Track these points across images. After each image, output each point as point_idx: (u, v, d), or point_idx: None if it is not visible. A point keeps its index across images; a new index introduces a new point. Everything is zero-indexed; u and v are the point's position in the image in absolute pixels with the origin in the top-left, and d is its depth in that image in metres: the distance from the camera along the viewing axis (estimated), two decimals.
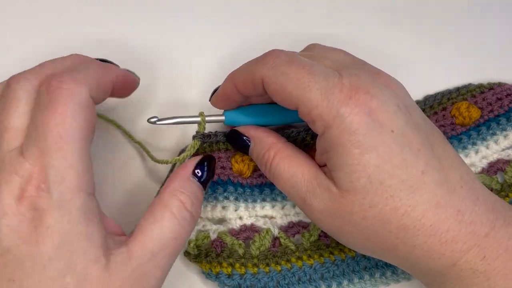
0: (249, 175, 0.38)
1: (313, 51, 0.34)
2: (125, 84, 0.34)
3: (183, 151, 0.39)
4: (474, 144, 0.41)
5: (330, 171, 0.30)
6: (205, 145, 0.38)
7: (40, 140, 0.26)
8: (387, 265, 0.38)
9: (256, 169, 0.38)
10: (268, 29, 0.44)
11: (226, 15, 0.45)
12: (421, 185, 0.29)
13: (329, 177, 0.31)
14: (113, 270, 0.27)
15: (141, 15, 0.44)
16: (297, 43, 0.37)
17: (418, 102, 0.43)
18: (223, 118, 0.37)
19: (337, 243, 0.38)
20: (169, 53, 0.43)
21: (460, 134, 0.41)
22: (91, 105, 0.28)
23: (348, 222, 0.30)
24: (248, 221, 0.38)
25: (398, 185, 0.28)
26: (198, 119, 0.36)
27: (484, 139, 0.41)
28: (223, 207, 0.38)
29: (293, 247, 0.37)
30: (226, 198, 0.38)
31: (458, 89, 0.43)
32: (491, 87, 0.42)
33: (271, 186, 0.38)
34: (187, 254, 0.37)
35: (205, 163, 0.33)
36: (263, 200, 0.39)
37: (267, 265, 0.37)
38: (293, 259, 0.37)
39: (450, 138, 0.41)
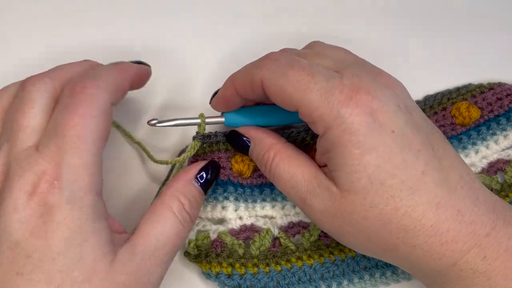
0: (249, 175, 0.38)
1: (315, 48, 0.34)
2: (139, 79, 0.35)
3: (183, 151, 0.39)
4: (474, 144, 0.41)
5: (331, 171, 0.31)
6: (205, 145, 0.38)
7: (59, 138, 0.27)
8: (387, 265, 0.38)
9: (256, 169, 0.38)
10: (268, 29, 0.44)
11: (226, 15, 0.45)
12: (421, 186, 0.29)
13: (329, 177, 0.31)
14: (119, 265, 0.27)
15: (141, 15, 0.45)
16: (297, 43, 0.37)
17: (418, 102, 0.43)
18: (223, 119, 0.37)
19: (337, 243, 0.38)
20: (169, 53, 0.43)
21: (460, 134, 0.41)
22: (109, 111, 0.29)
23: (349, 222, 0.30)
24: (248, 221, 0.38)
25: (399, 186, 0.28)
26: (198, 120, 0.36)
27: (484, 139, 0.41)
28: (223, 207, 0.38)
29: (293, 247, 0.37)
30: (226, 198, 0.38)
31: (458, 89, 0.43)
32: (491, 87, 0.43)
33: (271, 186, 0.38)
34: (187, 254, 0.37)
35: (209, 169, 0.35)
36: (263, 200, 0.39)
37: (267, 265, 0.37)
38: (293, 259, 0.37)
39: (450, 138, 0.41)
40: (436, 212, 0.29)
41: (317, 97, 0.29)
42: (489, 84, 0.43)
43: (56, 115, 0.28)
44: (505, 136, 0.41)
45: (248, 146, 0.36)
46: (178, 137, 0.41)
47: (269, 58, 0.32)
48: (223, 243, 0.37)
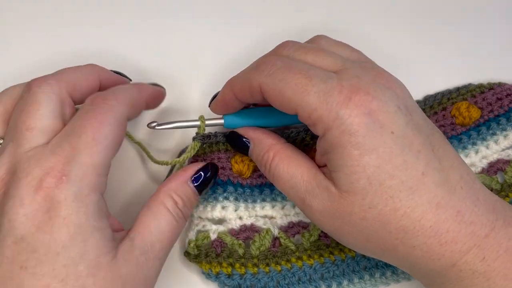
0: (249, 175, 0.39)
1: (319, 43, 0.34)
2: (154, 99, 0.37)
3: (183, 152, 0.39)
4: (474, 144, 0.41)
5: (330, 172, 0.31)
6: (204, 145, 0.38)
7: (75, 138, 0.28)
8: (387, 265, 0.38)
9: (256, 169, 0.38)
10: (268, 29, 0.44)
11: (226, 15, 0.45)
12: (421, 186, 0.29)
13: (328, 177, 0.31)
14: (120, 259, 0.28)
15: (141, 15, 0.45)
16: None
17: (418, 102, 0.43)
18: (222, 121, 0.37)
19: (337, 243, 0.38)
20: (169, 54, 0.44)
21: (460, 134, 0.41)
22: (124, 123, 0.31)
23: (348, 223, 0.30)
24: (248, 221, 0.38)
25: (398, 186, 0.28)
26: (198, 123, 0.37)
27: (484, 139, 0.41)
28: (223, 207, 0.38)
29: (293, 247, 0.37)
30: (226, 198, 0.38)
31: (458, 89, 0.43)
32: (491, 87, 0.42)
33: (271, 187, 0.38)
34: (187, 254, 0.37)
35: (206, 170, 0.35)
36: (263, 200, 0.39)
37: (267, 265, 0.37)
38: (293, 259, 0.37)
39: (450, 138, 0.41)
40: (435, 212, 0.29)
41: (315, 99, 0.29)
42: (489, 84, 0.43)
43: (74, 119, 0.29)
44: (505, 136, 0.41)
45: (248, 147, 0.36)
46: (178, 138, 0.41)
47: (266, 62, 0.32)
48: (223, 243, 0.37)
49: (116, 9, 0.44)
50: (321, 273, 0.37)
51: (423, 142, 0.29)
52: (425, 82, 0.43)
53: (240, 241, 0.37)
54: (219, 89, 0.36)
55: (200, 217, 0.38)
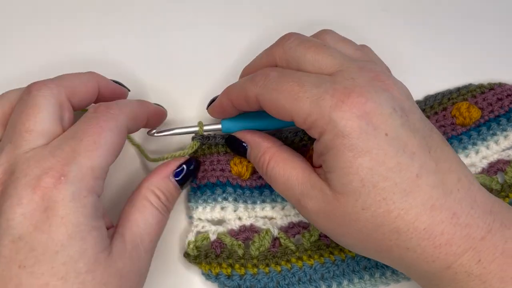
0: (248, 177, 0.39)
1: (324, 38, 0.35)
2: (156, 118, 0.37)
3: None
4: (474, 144, 0.41)
5: (325, 173, 0.31)
6: (204, 146, 0.38)
7: (75, 141, 0.29)
8: (387, 265, 0.38)
9: (255, 171, 0.39)
10: (268, 30, 0.44)
11: (226, 15, 0.46)
12: (415, 188, 0.29)
13: (323, 179, 0.31)
14: (115, 255, 0.29)
15: (140, 15, 0.45)
16: None
17: (418, 102, 0.43)
18: (220, 126, 0.38)
19: (338, 243, 0.38)
20: (169, 54, 0.44)
21: (460, 134, 0.41)
22: (125, 133, 0.32)
23: (342, 224, 0.30)
24: (247, 221, 0.38)
25: (392, 188, 0.28)
26: (196, 129, 0.38)
27: (484, 139, 0.41)
28: (222, 208, 0.38)
29: (293, 247, 0.37)
30: (225, 199, 0.38)
31: (458, 89, 0.43)
32: (491, 87, 0.42)
33: (271, 188, 0.38)
34: (186, 255, 0.37)
35: (188, 165, 0.36)
36: (263, 201, 0.39)
37: (267, 265, 0.37)
38: (293, 259, 0.37)
39: (450, 138, 0.41)
40: (430, 214, 0.29)
41: (308, 104, 0.29)
42: (489, 84, 0.43)
43: (77, 125, 0.30)
44: (505, 137, 0.41)
45: (246, 150, 0.37)
46: (178, 140, 0.41)
47: (261, 74, 0.33)
48: (223, 243, 0.37)
49: (115, 14, 0.45)
50: (321, 273, 0.37)
51: (418, 144, 0.29)
52: (425, 82, 0.43)
53: (240, 242, 0.37)
54: (218, 93, 0.37)
55: (200, 218, 0.38)
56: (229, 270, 0.36)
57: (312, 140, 0.38)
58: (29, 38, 0.43)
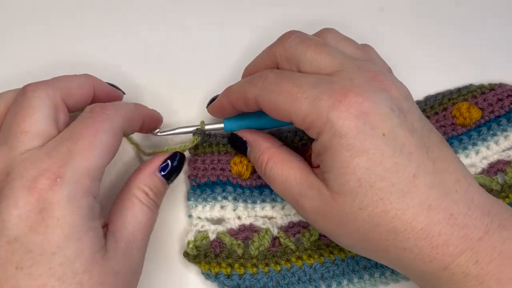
0: (248, 176, 0.39)
1: (325, 37, 0.35)
2: (151, 122, 0.37)
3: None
4: (474, 144, 0.41)
5: (323, 173, 0.31)
6: (205, 144, 0.39)
7: (71, 142, 0.29)
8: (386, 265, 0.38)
9: (255, 171, 0.39)
10: (268, 30, 0.43)
11: (226, 15, 0.46)
12: (412, 188, 0.29)
13: (321, 179, 0.31)
14: (110, 254, 0.29)
15: (140, 15, 0.45)
16: None
17: (419, 102, 0.43)
18: (222, 125, 0.38)
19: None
20: (169, 54, 0.44)
21: (460, 135, 0.41)
22: (120, 134, 0.32)
23: (340, 224, 0.30)
24: (247, 221, 0.38)
25: (389, 188, 0.28)
26: (199, 127, 0.38)
27: (484, 139, 0.41)
28: (222, 207, 0.38)
29: (293, 247, 0.38)
30: (225, 198, 0.38)
31: (459, 90, 0.43)
32: (492, 87, 0.42)
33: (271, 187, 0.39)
34: (186, 254, 0.37)
35: (173, 160, 0.36)
36: (263, 201, 0.39)
37: (267, 265, 0.37)
38: (293, 259, 0.37)
39: (450, 139, 0.41)
40: (427, 215, 0.29)
41: (306, 105, 0.30)
42: (490, 84, 0.42)
43: (72, 126, 0.30)
44: (505, 137, 0.41)
45: (247, 149, 0.37)
46: (178, 141, 0.41)
47: (260, 76, 0.33)
48: (222, 243, 0.37)
49: (115, 14, 0.45)
50: (321, 272, 0.37)
51: (416, 144, 0.29)
52: (426, 82, 0.43)
53: (239, 241, 0.37)
54: (218, 93, 0.37)
55: (199, 217, 0.38)
56: (228, 270, 0.36)
57: (312, 139, 0.38)
58: (29, 38, 0.43)
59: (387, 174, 0.28)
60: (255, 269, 0.36)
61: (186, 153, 0.39)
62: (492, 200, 0.31)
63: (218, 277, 0.36)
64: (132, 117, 0.33)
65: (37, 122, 0.30)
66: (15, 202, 0.27)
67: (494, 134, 0.41)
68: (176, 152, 0.37)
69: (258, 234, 0.37)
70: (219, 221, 0.38)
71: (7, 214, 0.27)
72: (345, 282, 0.38)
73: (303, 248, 0.38)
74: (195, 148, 0.39)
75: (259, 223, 0.38)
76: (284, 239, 0.38)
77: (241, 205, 0.38)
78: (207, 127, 0.38)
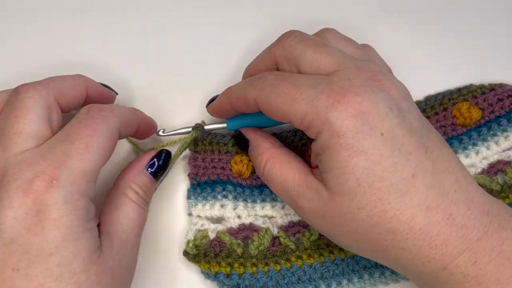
0: (248, 175, 0.39)
1: (325, 37, 0.35)
2: (146, 125, 0.37)
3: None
4: (474, 144, 0.41)
5: (321, 173, 0.31)
6: (205, 142, 0.39)
7: (67, 144, 0.29)
8: None
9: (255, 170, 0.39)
10: (268, 30, 0.43)
11: (226, 15, 0.46)
12: (411, 189, 0.29)
13: (319, 179, 0.31)
14: (105, 253, 0.29)
15: (140, 15, 0.45)
16: None
17: (419, 102, 0.43)
18: (224, 126, 0.39)
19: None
20: (169, 55, 0.44)
21: (460, 135, 0.41)
22: (116, 136, 0.32)
23: (338, 224, 0.30)
24: (246, 220, 0.38)
25: (387, 188, 0.28)
26: (199, 123, 0.39)
27: (484, 139, 0.41)
28: (222, 206, 0.38)
29: (293, 246, 0.38)
30: (225, 196, 0.38)
31: (459, 90, 0.43)
32: (492, 88, 0.42)
33: None
34: (185, 253, 0.37)
35: (159, 157, 0.36)
36: (263, 200, 0.39)
37: (266, 264, 0.37)
38: (293, 259, 0.37)
39: (450, 139, 0.41)
40: (426, 215, 0.28)
41: (304, 105, 0.30)
42: (490, 85, 0.42)
43: (68, 127, 0.30)
44: (505, 137, 0.41)
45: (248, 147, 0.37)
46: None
47: (259, 77, 0.33)
48: (222, 242, 0.37)
49: (116, 8, 0.45)
50: (321, 272, 0.37)
51: (415, 144, 0.29)
52: (426, 83, 0.43)
53: (239, 241, 0.37)
54: (218, 93, 0.37)
55: (199, 216, 0.38)
56: (228, 269, 0.36)
57: (311, 139, 0.38)
58: (29, 38, 0.44)
59: (385, 174, 0.28)
60: (254, 268, 0.37)
61: (187, 152, 0.39)
62: (491, 201, 0.31)
63: (217, 276, 0.36)
64: (128, 119, 0.33)
65: (30, 122, 0.30)
66: (10, 204, 0.27)
67: (494, 134, 0.41)
68: (162, 149, 0.37)
69: (258, 233, 0.38)
70: (219, 220, 0.38)
71: (2, 216, 0.27)
72: (345, 281, 0.38)
73: (303, 247, 0.38)
74: (195, 145, 0.39)
75: (259, 222, 0.38)
76: (284, 239, 0.38)
77: (241, 204, 0.38)
78: (209, 126, 0.39)
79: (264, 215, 0.39)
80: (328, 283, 0.37)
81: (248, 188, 0.39)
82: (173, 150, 0.38)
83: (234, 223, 0.38)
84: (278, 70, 0.35)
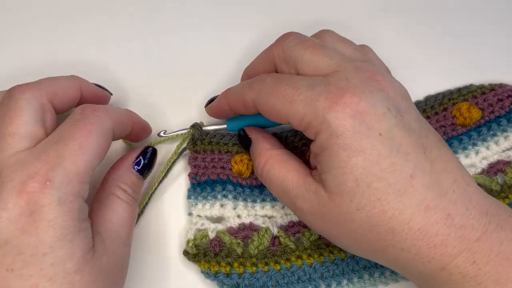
0: (248, 175, 0.39)
1: (323, 38, 0.35)
2: (140, 127, 0.37)
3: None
4: (474, 144, 0.41)
5: (320, 174, 0.31)
6: (204, 141, 0.39)
7: (61, 146, 0.29)
8: None
9: None
10: (268, 30, 0.44)
11: (226, 15, 0.46)
12: (409, 189, 0.29)
13: (318, 180, 0.31)
14: (99, 253, 0.30)
15: (140, 15, 0.45)
16: None
17: (419, 102, 0.43)
18: (224, 126, 0.39)
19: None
20: (169, 55, 0.44)
21: (460, 135, 0.41)
22: (110, 137, 0.32)
23: (337, 225, 0.30)
24: (246, 219, 0.38)
25: (386, 189, 0.28)
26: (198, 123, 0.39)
27: (484, 140, 0.41)
28: (222, 205, 0.38)
29: (293, 246, 0.38)
30: (225, 196, 0.38)
31: (459, 90, 0.43)
32: (492, 88, 0.42)
33: None
34: (185, 253, 0.37)
35: (145, 155, 0.36)
36: (263, 200, 0.39)
37: (266, 264, 0.37)
38: (293, 258, 0.37)
39: (450, 139, 0.41)
40: (424, 215, 0.28)
41: (302, 106, 0.30)
42: (490, 85, 0.42)
43: (62, 127, 0.30)
44: (505, 137, 0.41)
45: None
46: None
47: (257, 79, 0.33)
48: (222, 242, 0.37)
49: (116, 8, 0.45)
50: (320, 272, 0.37)
51: (413, 144, 0.29)
52: (426, 83, 0.43)
53: (239, 240, 0.37)
54: (218, 93, 0.37)
55: (199, 215, 0.38)
56: (227, 269, 0.36)
57: (311, 140, 0.38)
58: (29, 38, 0.44)
59: (383, 174, 0.28)
60: (254, 268, 0.36)
61: (187, 152, 0.39)
62: (490, 201, 0.31)
63: (217, 276, 0.36)
64: (122, 120, 0.33)
65: (24, 123, 0.30)
66: (4, 205, 0.27)
67: (494, 135, 0.41)
68: (147, 147, 0.37)
69: (258, 233, 0.38)
70: (218, 219, 0.39)
71: None
72: (344, 281, 0.37)
73: (303, 247, 0.38)
74: (193, 144, 0.39)
75: (259, 222, 0.38)
76: (284, 238, 0.38)
77: (241, 204, 0.38)
78: (209, 127, 0.39)
79: (264, 214, 0.39)
80: (328, 283, 0.37)
81: (248, 187, 0.39)
82: (172, 149, 0.39)
83: (234, 222, 0.38)
84: (277, 71, 0.35)
